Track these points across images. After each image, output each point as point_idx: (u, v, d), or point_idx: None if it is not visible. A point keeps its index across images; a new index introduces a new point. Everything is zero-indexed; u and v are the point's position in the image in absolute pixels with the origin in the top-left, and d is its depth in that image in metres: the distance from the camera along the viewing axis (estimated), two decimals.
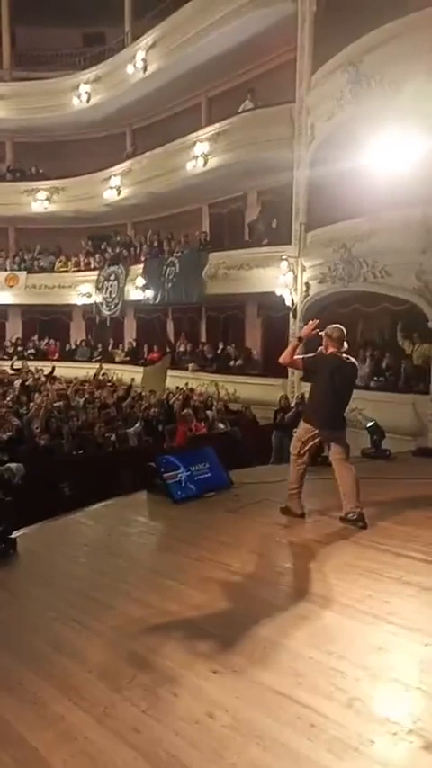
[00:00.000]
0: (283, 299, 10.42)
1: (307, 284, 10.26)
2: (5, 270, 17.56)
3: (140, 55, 14.16)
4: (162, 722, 2.16)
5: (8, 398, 10.12)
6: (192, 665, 2.56)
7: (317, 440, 4.60)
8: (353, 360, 4.57)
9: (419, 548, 3.92)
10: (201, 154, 12.61)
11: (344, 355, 4.50)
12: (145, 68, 14.10)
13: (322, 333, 4.58)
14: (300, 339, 4.74)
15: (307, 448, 4.59)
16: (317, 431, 4.53)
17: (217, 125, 12.54)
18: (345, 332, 4.53)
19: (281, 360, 4.76)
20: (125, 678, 2.45)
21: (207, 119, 13.97)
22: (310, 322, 4.74)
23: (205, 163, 12.59)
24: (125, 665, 2.55)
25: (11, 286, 17.43)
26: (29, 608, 3.21)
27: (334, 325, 4.59)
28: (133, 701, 2.29)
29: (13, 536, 4.09)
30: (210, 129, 12.69)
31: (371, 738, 2.04)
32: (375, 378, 9.10)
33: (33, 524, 4.71)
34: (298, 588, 3.37)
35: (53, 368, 13.80)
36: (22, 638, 2.84)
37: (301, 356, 4.73)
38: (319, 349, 4.63)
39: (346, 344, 4.52)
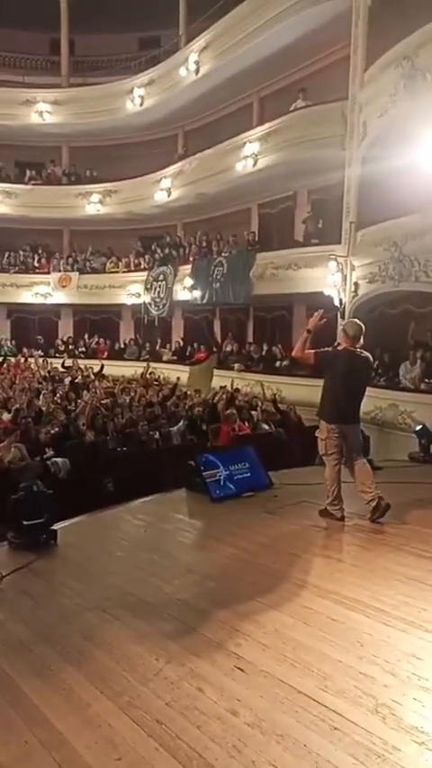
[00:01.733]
0: (332, 300, 10.25)
1: (356, 284, 10.05)
2: (59, 271, 18.12)
3: (193, 57, 14.28)
4: (185, 716, 2.17)
5: (57, 395, 10.42)
6: (218, 661, 2.56)
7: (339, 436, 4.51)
8: (366, 354, 4.53)
9: None
10: (251, 154, 12.57)
11: (357, 349, 4.47)
12: (197, 70, 14.21)
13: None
14: (309, 331, 4.65)
15: (334, 445, 4.50)
16: (333, 427, 4.48)
17: (268, 124, 12.48)
18: (362, 328, 4.47)
19: (293, 353, 4.82)
20: (152, 671, 2.48)
21: (258, 119, 13.94)
22: (316, 313, 4.70)
23: (255, 163, 12.55)
24: (152, 659, 2.58)
25: (64, 286, 17.96)
26: (64, 597, 3.30)
27: (351, 320, 4.56)
28: (158, 693, 2.32)
29: (54, 528, 4.22)
30: (260, 129, 12.65)
31: (396, 746, 1.99)
32: (426, 380, 8.82)
33: (76, 518, 4.85)
34: (332, 591, 3.31)
35: (102, 366, 14.10)
36: (55, 626, 2.92)
37: (313, 350, 4.66)
38: (336, 344, 4.60)
39: (362, 341, 4.47)
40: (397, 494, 4.36)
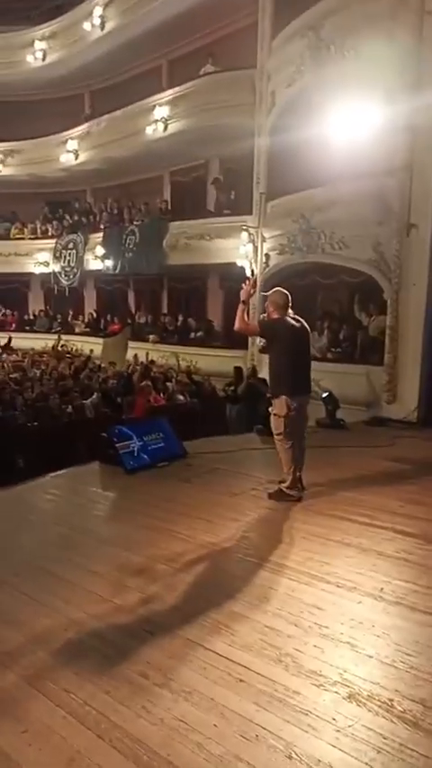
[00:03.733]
0: (244, 271, 10.36)
1: (267, 255, 10.21)
2: None
3: (98, 11, 13.55)
4: (94, 683, 2.19)
5: None
6: (129, 626, 2.60)
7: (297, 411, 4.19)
8: (303, 321, 4.36)
9: (363, 512, 4.05)
10: (161, 118, 12.26)
11: (294, 317, 4.30)
12: (103, 25, 13.52)
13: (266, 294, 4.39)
14: (244, 302, 4.40)
15: (295, 422, 4.19)
16: (295, 399, 4.17)
17: (177, 88, 12.19)
18: (289, 296, 4.31)
19: (235, 328, 4.46)
20: (61, 641, 2.47)
21: (168, 82, 13.54)
22: (245, 283, 4.50)
23: (165, 128, 12.26)
24: (62, 629, 2.56)
25: None
26: None
27: (276, 290, 4.35)
28: (68, 663, 2.32)
29: None
30: (170, 93, 12.34)
31: (297, 690, 2.12)
32: (332, 349, 9.20)
33: None
34: (241, 551, 3.44)
35: (10, 338, 13.48)
36: None
37: (257, 322, 4.56)
38: (262, 316, 4.47)
39: (290, 310, 4.31)
40: (307, 458, 4.52)
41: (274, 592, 2.90)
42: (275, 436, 4.32)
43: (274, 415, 4.27)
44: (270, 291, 4.42)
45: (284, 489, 4.33)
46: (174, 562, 3.28)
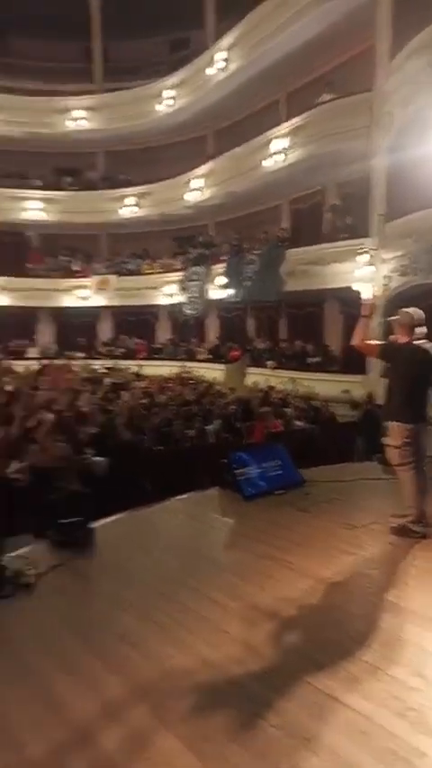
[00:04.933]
0: (360, 294, 10.13)
1: (387, 277, 9.89)
2: (98, 274, 18.49)
3: (221, 55, 14.30)
4: (211, 719, 2.21)
5: (97, 396, 10.67)
6: (245, 662, 2.60)
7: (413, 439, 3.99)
8: (426, 346, 4.07)
9: None
10: (280, 149, 12.53)
11: (417, 342, 4.06)
12: (225, 68, 14.24)
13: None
14: (366, 316, 4.22)
15: (412, 452, 3.98)
16: (410, 428, 3.97)
17: (295, 119, 12.43)
18: (416, 316, 4.05)
19: (353, 343, 4.28)
20: (182, 671, 2.54)
21: (287, 114, 13.86)
22: (364, 301, 4.38)
23: (284, 158, 12.51)
24: (183, 659, 2.63)
25: (102, 289, 18.32)
26: (100, 596, 3.41)
27: (404, 310, 4.12)
28: (182, 691, 2.37)
29: (91, 526, 4.35)
30: (288, 125, 12.60)
31: (423, 751, 1.98)
32: None
33: (113, 516, 4.98)
34: (361, 589, 3.31)
35: (140, 367, 14.35)
36: (90, 625, 3.01)
37: (375, 342, 4.32)
38: (390, 338, 4.32)
39: (421, 329, 4.05)
40: None
41: (396, 637, 2.74)
42: (396, 467, 4.11)
43: (388, 445, 4.09)
44: (398, 312, 4.21)
45: (408, 524, 4.08)
46: (291, 596, 3.24)
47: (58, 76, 18.98)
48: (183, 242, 18.13)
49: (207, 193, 15.94)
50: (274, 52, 12.54)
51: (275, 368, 12.60)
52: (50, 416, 7.72)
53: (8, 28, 18.26)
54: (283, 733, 2.10)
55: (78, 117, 17.99)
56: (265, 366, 12.91)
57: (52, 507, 4.28)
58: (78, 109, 18.01)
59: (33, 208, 18.14)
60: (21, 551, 3.93)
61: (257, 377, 12.49)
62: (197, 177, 16.13)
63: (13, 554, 3.78)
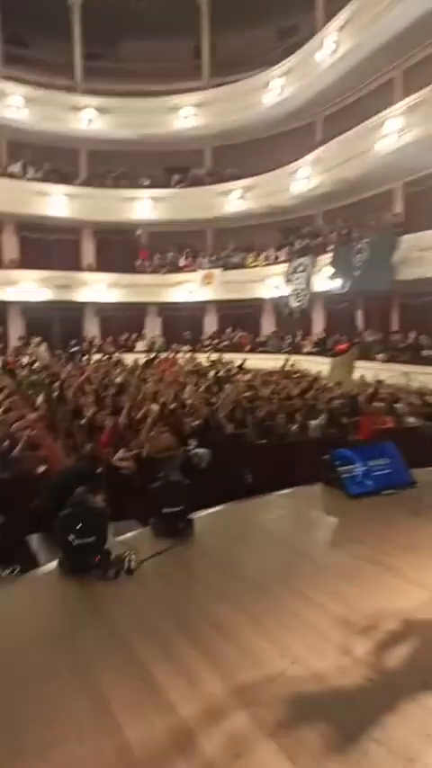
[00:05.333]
0: None
1: None
2: (203, 269, 18.81)
3: (331, 38, 13.83)
4: (309, 727, 2.10)
5: (201, 389, 10.82)
6: (347, 669, 2.45)
7: None
8: None
9: None
10: (395, 130, 11.87)
11: None
12: (336, 51, 13.74)
13: None
14: None
15: None
16: None
17: (413, 96, 11.68)
18: None
19: None
20: (276, 670, 2.46)
21: (403, 92, 13.07)
22: None
23: (399, 139, 11.82)
24: (277, 655, 2.55)
25: (208, 283, 18.62)
26: (199, 586, 3.41)
27: None
28: (281, 694, 2.29)
29: (192, 517, 4.39)
30: (404, 103, 11.91)
31: None
32: None
33: (215, 507, 4.99)
34: None
35: (244, 360, 14.35)
36: (187, 612, 3.02)
37: None
38: None
39: None
40: None
41: None
42: None
43: None
44: None
45: None
46: (399, 606, 3.01)
47: (167, 76, 19.51)
48: (287, 234, 17.85)
49: (315, 182, 15.53)
50: (389, 27, 11.89)
51: (386, 361, 11.99)
52: (156, 408, 7.96)
53: (120, 33, 19.05)
54: (384, 749, 1.96)
55: (187, 115, 18.32)
56: (374, 359, 12.34)
57: (155, 496, 4.36)
58: (187, 106, 18.35)
59: (143, 207, 18.81)
60: (125, 537, 4.06)
61: (366, 371, 11.96)
62: (305, 166, 15.75)
63: (117, 539, 3.90)
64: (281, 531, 4.68)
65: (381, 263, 12.35)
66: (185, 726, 2.12)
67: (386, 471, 5.10)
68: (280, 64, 16.42)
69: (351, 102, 15.37)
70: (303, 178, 15.76)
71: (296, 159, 16.14)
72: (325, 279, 14.72)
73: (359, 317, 15.15)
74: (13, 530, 4.84)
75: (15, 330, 18.26)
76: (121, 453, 6.41)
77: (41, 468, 6.19)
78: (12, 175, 18.00)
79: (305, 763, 1.92)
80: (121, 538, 4.01)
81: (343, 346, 14.10)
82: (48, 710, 2.19)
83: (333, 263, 14.31)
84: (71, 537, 3.46)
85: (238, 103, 17.62)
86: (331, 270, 14.30)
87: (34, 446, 6.68)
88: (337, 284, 14.10)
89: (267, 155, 17.50)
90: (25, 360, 15.01)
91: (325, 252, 15.09)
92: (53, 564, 3.59)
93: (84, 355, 16.48)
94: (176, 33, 18.63)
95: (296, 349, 15.85)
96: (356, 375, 12.14)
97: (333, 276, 14.24)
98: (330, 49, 13.78)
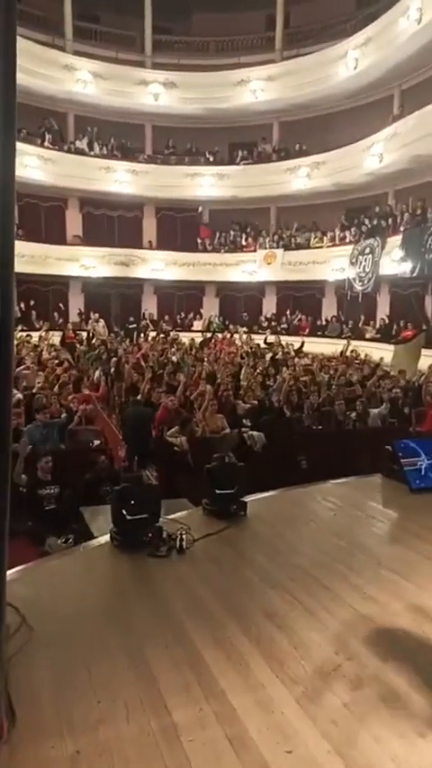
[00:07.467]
0: None
1: None
2: (265, 248, 18.46)
3: (416, 4, 12.96)
4: (362, 723, 2.01)
5: (258, 371, 10.69)
6: (404, 671, 2.32)
7: None
8: None
9: None
10: None
11: None
12: (420, 19, 12.89)
13: None
14: None
15: None
16: None
17: None
18: None
19: None
20: (331, 665, 2.36)
21: None
22: None
23: None
24: (332, 651, 2.45)
25: (269, 264, 18.29)
26: (249, 570, 3.33)
27: None
28: (335, 690, 2.19)
29: (244, 499, 4.31)
30: None
31: None
32: None
33: (267, 492, 4.90)
34: None
35: (302, 343, 14.07)
36: (238, 597, 2.96)
37: None
38: None
39: None
40: None
41: None
42: None
43: None
44: None
45: None
46: None
47: (238, 49, 19.04)
48: (356, 213, 17.19)
49: (389, 159, 14.80)
50: None
51: None
52: (211, 389, 7.91)
53: (190, 5, 18.67)
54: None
55: (255, 88, 17.84)
56: None
57: (209, 476, 4.31)
58: (257, 80, 17.85)
59: (206, 184, 18.59)
60: (177, 515, 4.04)
61: None
62: (378, 142, 15.03)
63: (170, 516, 3.88)
64: (337, 521, 4.52)
65: None
66: (234, 714, 2.06)
67: None
68: (357, 33, 15.62)
69: None
70: (376, 154, 15.03)
71: (370, 135, 15.41)
72: (392, 262, 14.10)
73: (429, 303, 14.46)
74: (67, 500, 4.93)
75: (75, 305, 18.65)
76: (174, 431, 6.42)
77: (96, 443, 6.30)
78: (78, 151, 18.18)
79: (358, 765, 1.82)
80: (173, 516, 3.98)
81: (409, 333, 13.55)
82: (97, 687, 2.19)
83: (404, 245, 13.66)
84: (124, 512, 3.46)
85: (310, 76, 16.92)
86: (402, 252, 13.67)
87: (90, 420, 6.80)
88: (406, 267, 13.48)
89: (339, 130, 16.82)
90: (84, 335, 15.34)
91: (396, 233, 14.42)
92: (106, 537, 3.61)
93: (141, 333, 16.66)
94: (249, 4, 18.09)
95: (358, 334, 15.36)
96: (424, 364, 11.62)
97: (402, 259, 13.62)
98: (414, 15, 12.93)
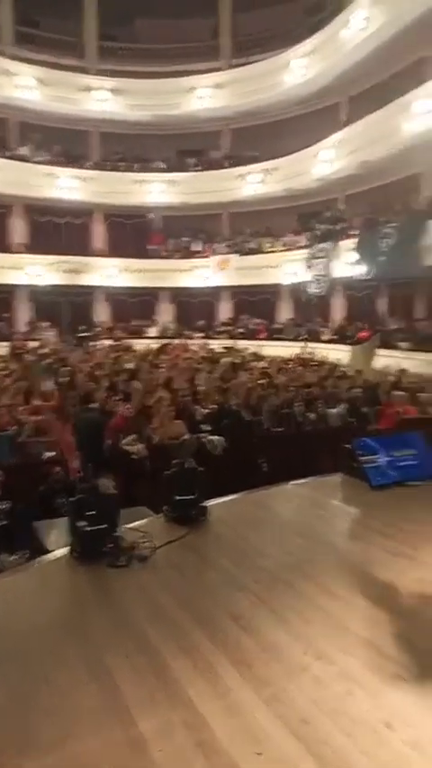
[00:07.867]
0: None
1: None
2: (218, 254, 18.52)
3: (362, 13, 13.27)
4: (333, 720, 1.98)
5: (215, 375, 10.65)
6: (375, 665, 2.31)
7: None
8: None
9: None
10: (427, 110, 11.42)
11: None
12: (366, 27, 13.21)
13: None
14: None
15: None
16: None
17: None
18: None
19: None
20: (299, 665, 2.31)
21: None
22: None
23: (429, 120, 11.40)
24: (300, 652, 2.41)
25: (222, 269, 18.35)
26: (213, 574, 3.27)
27: None
28: (305, 690, 2.15)
29: (205, 504, 4.24)
30: None
31: None
32: None
33: (229, 496, 4.84)
34: None
35: (259, 347, 14.16)
36: (203, 602, 2.89)
37: None
38: None
39: None
40: None
41: None
42: None
43: None
44: None
45: None
46: (427, 600, 2.86)
47: (184, 56, 19.07)
48: (307, 218, 17.47)
49: (338, 165, 15.12)
50: (423, 2, 11.33)
51: (410, 350, 11.71)
52: (168, 395, 7.81)
53: (134, 11, 18.60)
54: (417, 753, 1.83)
55: (204, 96, 17.93)
56: (397, 348, 12.05)
57: (168, 483, 4.22)
58: (204, 87, 17.95)
59: (156, 190, 18.52)
60: (137, 524, 3.93)
61: (388, 359, 11.69)
62: (328, 148, 15.34)
63: (129, 525, 3.77)
64: (298, 521, 4.53)
65: (408, 249, 11.96)
66: (203, 721, 1.99)
67: (412, 462, 4.91)
68: (305, 42, 15.91)
69: (380, 82, 14.81)
70: (326, 161, 15.34)
71: (318, 141, 15.70)
72: (346, 265, 14.38)
73: (382, 305, 14.82)
74: (19, 515, 4.73)
75: (23, 315, 18.17)
76: (130, 439, 6.29)
77: (49, 454, 6.09)
78: (21, 158, 17.79)
79: (330, 762, 1.80)
80: (133, 525, 3.87)
81: (365, 334, 13.84)
82: (60, 702, 2.09)
83: (357, 249, 13.94)
84: (82, 523, 3.34)
85: (259, 84, 17.14)
86: (355, 255, 13.94)
87: (42, 432, 6.58)
88: (360, 270, 13.76)
89: (288, 137, 17.07)
90: (33, 345, 14.95)
91: (348, 237, 14.71)
92: (63, 550, 3.48)
93: (93, 341, 16.36)
94: (195, 11, 18.18)
95: (315, 337, 15.57)
96: (379, 363, 11.89)
97: (357, 262, 13.90)
98: (359, 26, 13.26)
